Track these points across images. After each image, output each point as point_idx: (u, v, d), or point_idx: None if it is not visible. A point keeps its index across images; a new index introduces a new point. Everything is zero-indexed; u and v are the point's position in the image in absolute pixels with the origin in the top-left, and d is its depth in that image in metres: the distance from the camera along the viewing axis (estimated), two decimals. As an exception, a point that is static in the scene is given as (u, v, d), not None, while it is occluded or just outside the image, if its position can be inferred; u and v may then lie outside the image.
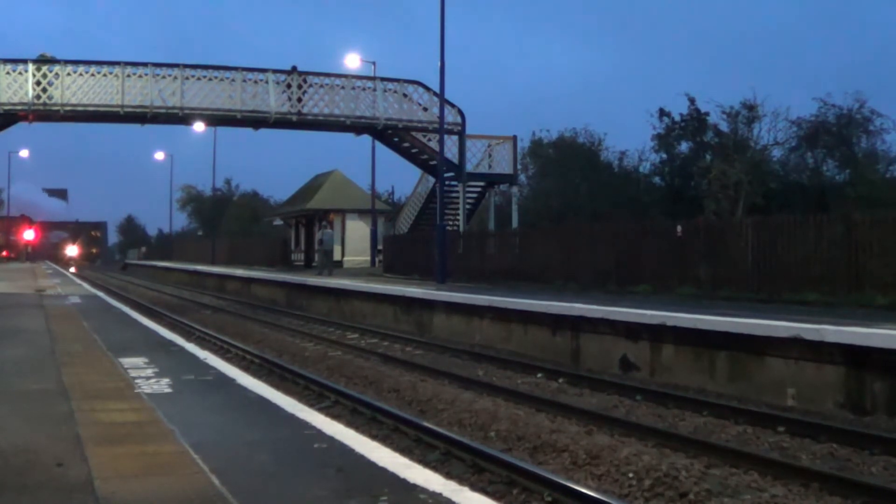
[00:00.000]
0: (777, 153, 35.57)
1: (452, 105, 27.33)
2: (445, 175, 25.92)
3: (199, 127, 29.43)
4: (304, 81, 26.47)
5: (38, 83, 24.12)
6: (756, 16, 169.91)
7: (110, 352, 9.01)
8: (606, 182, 39.73)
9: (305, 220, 42.22)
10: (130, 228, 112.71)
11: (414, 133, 27.51)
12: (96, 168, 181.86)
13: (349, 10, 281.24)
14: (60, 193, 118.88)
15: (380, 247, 35.60)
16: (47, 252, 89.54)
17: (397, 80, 27.73)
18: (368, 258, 37.12)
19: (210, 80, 25.65)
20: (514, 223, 29.06)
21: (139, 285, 44.37)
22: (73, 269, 59.59)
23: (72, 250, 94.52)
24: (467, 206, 28.76)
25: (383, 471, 4.31)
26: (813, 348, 9.65)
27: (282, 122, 26.68)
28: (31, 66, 24.14)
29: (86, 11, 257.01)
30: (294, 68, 26.65)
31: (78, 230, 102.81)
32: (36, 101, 24.11)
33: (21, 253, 74.98)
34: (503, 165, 29.32)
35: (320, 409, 8.16)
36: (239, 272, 36.75)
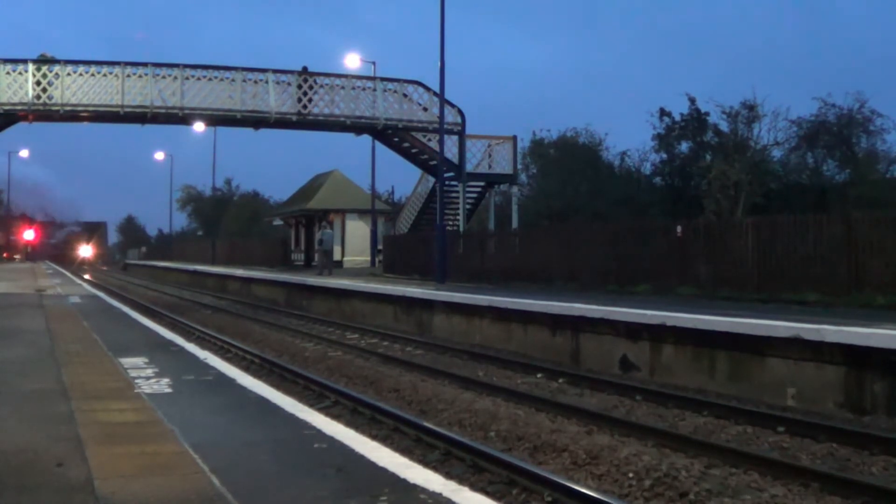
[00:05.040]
0: (777, 153, 35.63)
1: (452, 105, 27.34)
2: (445, 175, 25.93)
3: (199, 127, 29.45)
4: (316, 82, 26.48)
5: (38, 83, 24.12)
6: (756, 16, 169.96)
7: (110, 352, 9.01)
8: (607, 182, 39.75)
9: (305, 220, 42.24)
10: (130, 228, 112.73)
11: (414, 133, 27.51)
12: (96, 168, 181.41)
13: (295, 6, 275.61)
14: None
15: (380, 247, 35.60)
16: (50, 252, 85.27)
17: (397, 80, 27.74)
18: (368, 258, 37.14)
19: (210, 80, 25.66)
20: (514, 223, 29.07)
21: (139, 285, 44.36)
22: (87, 275, 50.72)
23: (85, 250, 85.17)
24: (467, 206, 28.76)
25: (383, 471, 4.31)
26: (813, 348, 9.65)
27: (282, 122, 26.68)
28: (31, 66, 24.14)
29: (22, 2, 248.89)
30: (305, 69, 26.68)
31: (93, 228, 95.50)
32: (36, 101, 24.11)
33: (19, 252, 73.50)
34: (503, 165, 29.31)
35: (320, 409, 8.16)
36: (239, 272, 36.74)
